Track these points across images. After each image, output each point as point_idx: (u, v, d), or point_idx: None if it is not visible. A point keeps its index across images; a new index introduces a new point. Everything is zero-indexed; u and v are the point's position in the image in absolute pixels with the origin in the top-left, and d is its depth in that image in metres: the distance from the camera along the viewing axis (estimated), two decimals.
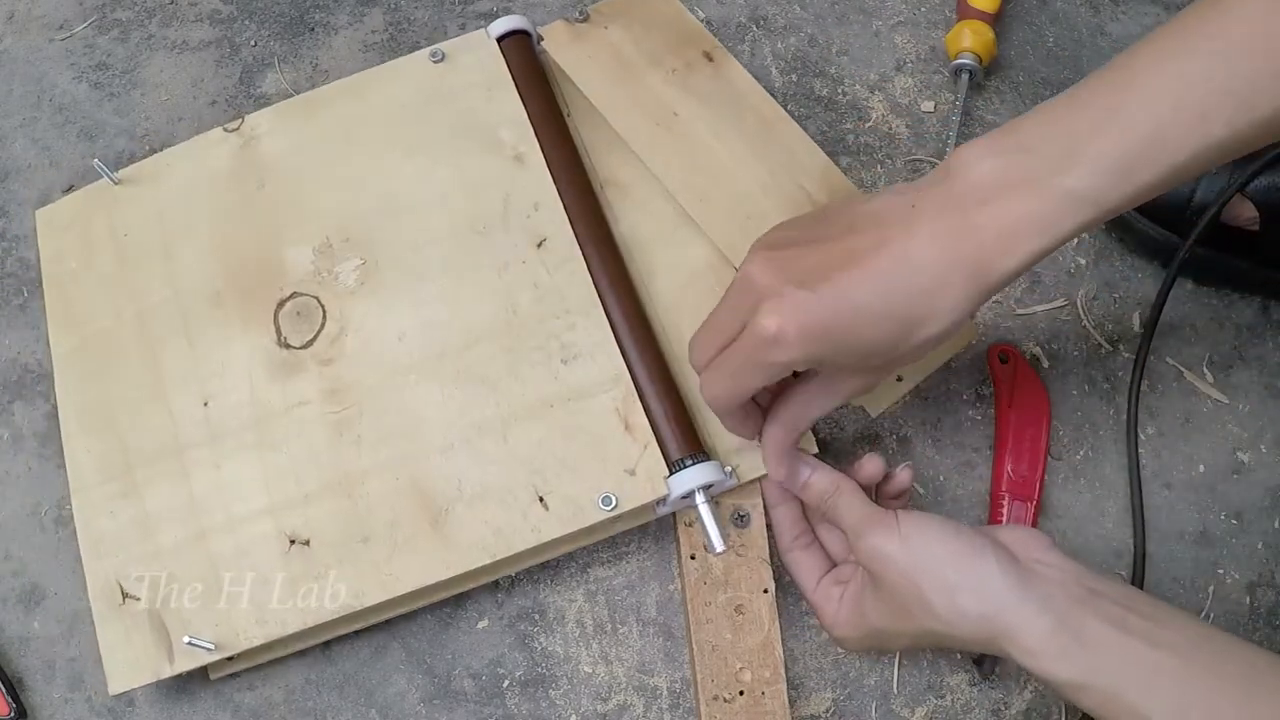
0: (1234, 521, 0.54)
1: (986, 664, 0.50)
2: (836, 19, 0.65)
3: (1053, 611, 0.39)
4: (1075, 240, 0.59)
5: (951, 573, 0.41)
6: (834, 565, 0.48)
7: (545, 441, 0.49)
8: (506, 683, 0.51)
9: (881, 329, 0.39)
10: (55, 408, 0.54)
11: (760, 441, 0.47)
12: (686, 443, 0.48)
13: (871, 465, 0.47)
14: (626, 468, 0.48)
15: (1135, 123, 0.36)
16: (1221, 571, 0.53)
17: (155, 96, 0.65)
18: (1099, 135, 0.37)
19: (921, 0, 0.66)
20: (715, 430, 0.50)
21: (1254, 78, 0.35)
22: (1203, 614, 0.52)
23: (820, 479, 0.46)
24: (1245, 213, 0.54)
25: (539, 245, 0.53)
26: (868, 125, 0.62)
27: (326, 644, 0.51)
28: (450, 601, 0.52)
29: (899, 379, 0.53)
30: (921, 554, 0.42)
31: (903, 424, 0.55)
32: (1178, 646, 0.37)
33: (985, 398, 0.56)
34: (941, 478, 0.54)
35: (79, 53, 0.66)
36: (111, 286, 0.55)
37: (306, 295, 0.53)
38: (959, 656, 0.51)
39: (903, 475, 0.47)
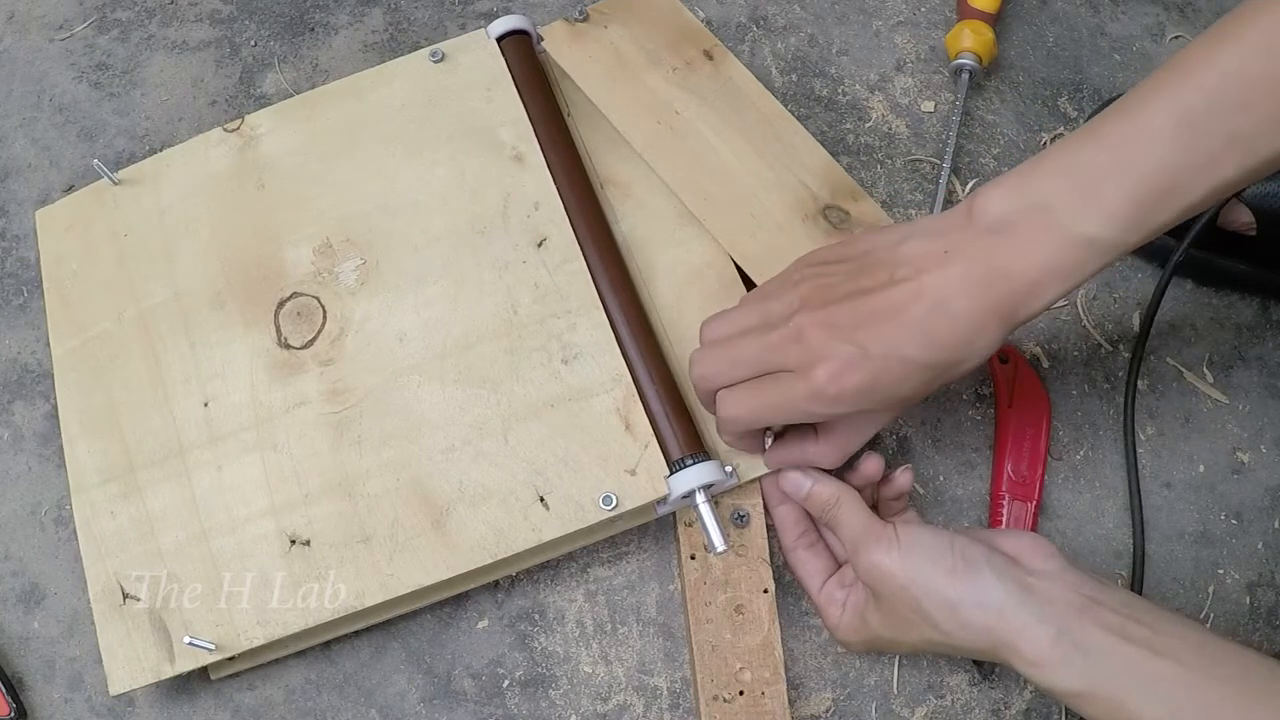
0: (1234, 521, 0.54)
1: (986, 664, 0.50)
2: (836, 19, 0.65)
3: (1053, 622, 0.39)
4: None
5: (950, 588, 0.41)
6: (839, 565, 0.48)
7: (546, 441, 0.49)
8: (506, 683, 0.51)
9: (924, 376, 0.41)
10: (55, 408, 0.54)
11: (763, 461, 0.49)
12: (687, 442, 0.48)
13: (871, 466, 0.47)
14: (627, 467, 0.48)
15: (1146, 172, 0.38)
16: (1221, 571, 0.53)
17: (155, 96, 0.65)
18: (1112, 180, 0.38)
19: (921, 0, 0.66)
20: (715, 430, 0.50)
21: (1256, 124, 0.36)
22: (1203, 614, 0.52)
23: (821, 489, 0.46)
24: (1242, 217, 0.54)
25: (539, 245, 0.53)
26: (868, 125, 0.62)
27: (327, 644, 0.51)
28: (450, 601, 0.52)
29: None
30: (919, 569, 0.42)
31: (903, 424, 0.55)
32: (1178, 654, 0.38)
33: (985, 398, 0.56)
34: (941, 478, 0.54)
35: (79, 53, 0.66)
36: (112, 287, 0.55)
37: (307, 295, 0.53)
38: (959, 657, 0.51)
39: (903, 478, 0.47)
